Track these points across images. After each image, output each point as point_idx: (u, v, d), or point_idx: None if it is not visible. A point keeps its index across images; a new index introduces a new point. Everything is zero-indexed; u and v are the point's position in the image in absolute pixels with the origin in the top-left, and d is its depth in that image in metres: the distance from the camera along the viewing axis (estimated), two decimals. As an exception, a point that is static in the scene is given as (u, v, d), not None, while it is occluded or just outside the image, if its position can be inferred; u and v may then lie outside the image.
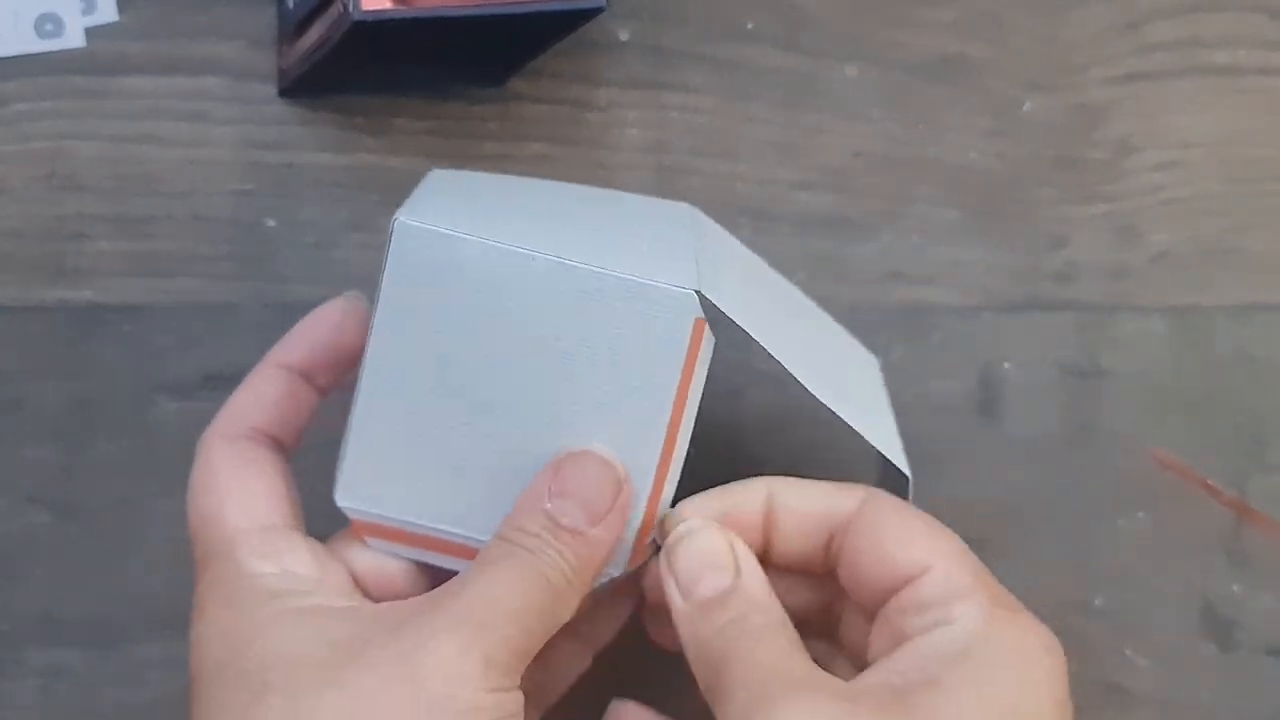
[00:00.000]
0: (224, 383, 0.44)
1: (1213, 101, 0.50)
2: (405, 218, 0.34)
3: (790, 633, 0.34)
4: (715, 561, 0.34)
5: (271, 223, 0.45)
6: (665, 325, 0.34)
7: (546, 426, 0.34)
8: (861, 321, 0.48)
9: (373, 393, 0.35)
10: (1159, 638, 0.48)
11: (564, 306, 0.34)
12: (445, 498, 0.35)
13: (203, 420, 0.44)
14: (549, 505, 0.33)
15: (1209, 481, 0.48)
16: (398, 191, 0.46)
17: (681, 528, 0.35)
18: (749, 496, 0.36)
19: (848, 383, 0.41)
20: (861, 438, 0.37)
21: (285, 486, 0.36)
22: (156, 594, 0.44)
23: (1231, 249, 0.50)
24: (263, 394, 0.37)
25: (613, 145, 0.47)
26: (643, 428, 0.34)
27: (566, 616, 0.34)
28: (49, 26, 0.45)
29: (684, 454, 0.35)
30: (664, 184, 0.47)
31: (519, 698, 0.33)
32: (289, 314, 0.45)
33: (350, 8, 0.37)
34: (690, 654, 0.34)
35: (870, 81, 0.48)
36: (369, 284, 0.45)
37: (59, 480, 0.44)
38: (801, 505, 0.37)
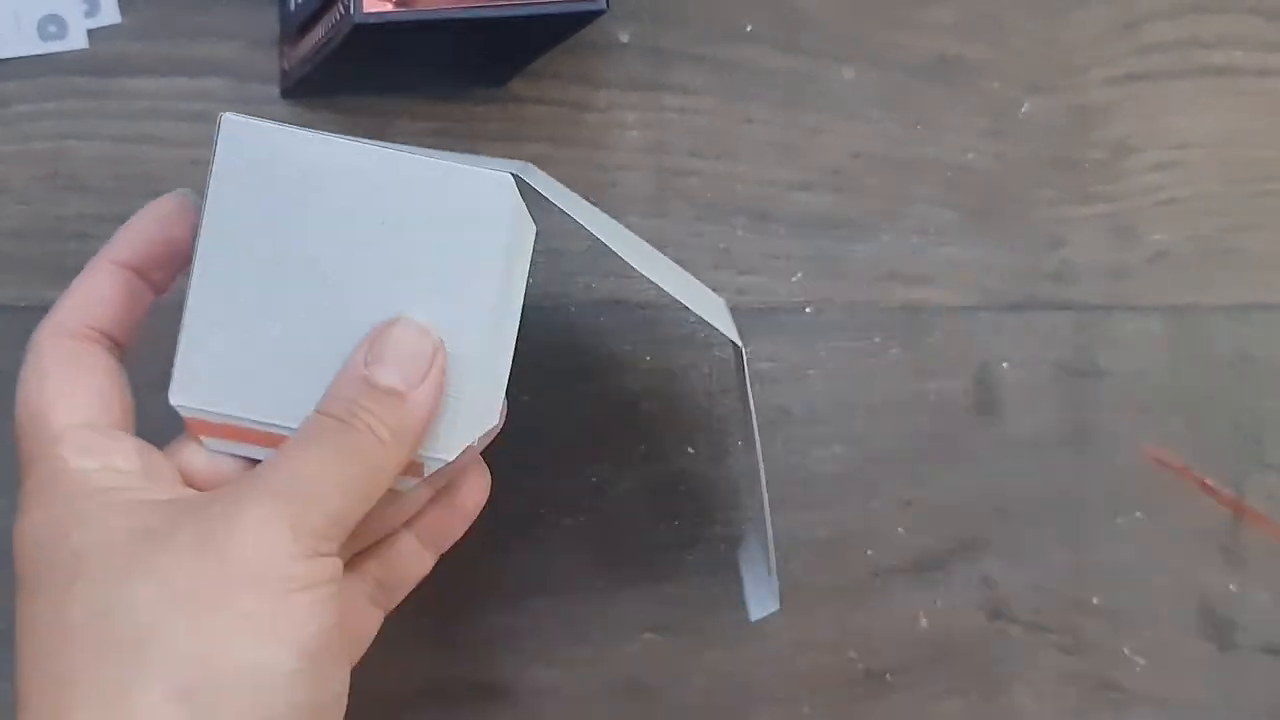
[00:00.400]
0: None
1: (1211, 102, 0.50)
2: (232, 114, 0.34)
3: None
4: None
5: (273, 223, 0.45)
6: (486, 209, 0.34)
7: (373, 314, 0.35)
8: (860, 321, 0.48)
9: (202, 289, 0.35)
10: (1157, 636, 0.48)
11: (388, 194, 0.34)
12: (277, 391, 0.35)
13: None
14: (365, 371, 0.34)
15: (1204, 479, 0.48)
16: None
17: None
18: None
19: (678, 278, 0.41)
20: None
21: (115, 386, 0.35)
22: (158, 593, 0.44)
23: (1229, 249, 0.50)
24: (96, 291, 0.36)
25: (612, 146, 0.47)
26: (469, 313, 0.35)
27: (385, 483, 0.34)
28: (52, 28, 0.45)
29: (512, 343, 0.35)
30: (663, 184, 0.47)
31: (335, 564, 0.33)
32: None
33: (352, 10, 0.38)
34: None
35: (869, 82, 0.49)
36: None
37: (61, 479, 0.44)
38: None
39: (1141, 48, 0.50)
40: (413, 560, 0.38)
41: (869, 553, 0.48)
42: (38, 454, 0.34)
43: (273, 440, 0.35)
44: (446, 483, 0.37)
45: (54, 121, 0.45)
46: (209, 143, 0.45)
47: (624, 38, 0.47)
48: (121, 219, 0.45)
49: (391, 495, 0.35)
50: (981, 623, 0.48)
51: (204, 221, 0.35)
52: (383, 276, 0.35)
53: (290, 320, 0.35)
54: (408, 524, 0.37)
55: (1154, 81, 0.50)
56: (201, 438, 0.36)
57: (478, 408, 0.35)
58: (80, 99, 0.45)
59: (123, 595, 0.31)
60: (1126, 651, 0.48)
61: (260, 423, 0.35)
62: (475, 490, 0.38)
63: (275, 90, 0.46)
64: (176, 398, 0.35)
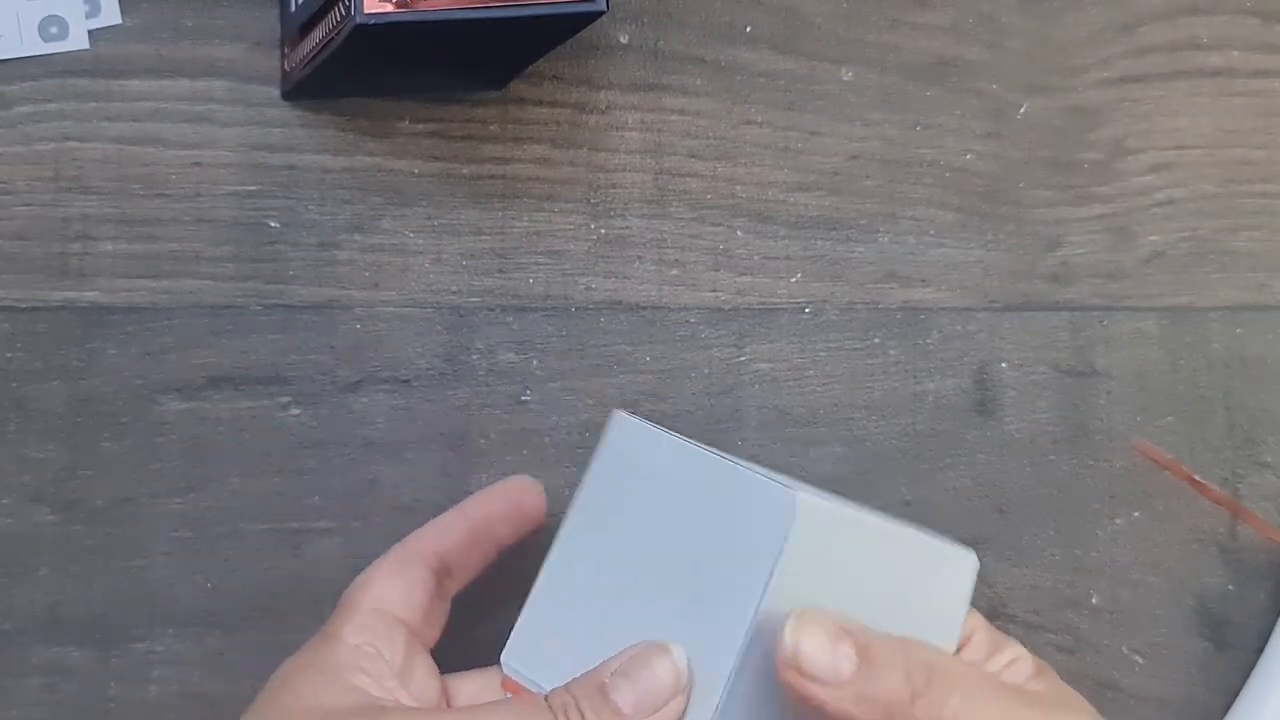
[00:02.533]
0: (227, 383, 0.45)
1: (1207, 104, 0.50)
2: (622, 412, 0.37)
3: None
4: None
5: (274, 224, 0.46)
6: (764, 519, 0.34)
7: (666, 617, 0.35)
8: (859, 322, 0.48)
9: (557, 566, 0.37)
10: (1154, 635, 0.48)
11: (700, 497, 0.35)
12: (582, 668, 0.36)
13: (206, 420, 0.45)
14: (607, 680, 0.34)
15: (1194, 475, 0.48)
16: (400, 193, 0.46)
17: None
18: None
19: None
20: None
21: (426, 599, 0.39)
22: (159, 593, 0.44)
23: (1225, 250, 0.50)
24: (448, 527, 0.41)
25: (612, 147, 0.47)
26: (722, 632, 0.34)
27: None
28: (53, 29, 0.45)
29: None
30: (663, 185, 0.47)
31: None
32: (292, 314, 0.45)
33: (353, 11, 0.38)
34: None
35: (867, 84, 0.49)
36: (369, 287, 0.46)
37: (63, 480, 0.44)
38: None
39: (1138, 49, 0.50)
40: None
41: (868, 552, 0.48)
42: (334, 619, 0.38)
43: None
44: None
45: (56, 123, 0.45)
46: (211, 144, 0.46)
47: (624, 39, 0.48)
48: (123, 219, 0.45)
49: None
50: (980, 622, 0.48)
51: (576, 503, 0.37)
52: (676, 580, 0.35)
53: (611, 609, 0.36)
54: None
55: (1151, 83, 0.50)
56: (506, 693, 0.38)
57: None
58: (82, 100, 0.45)
59: None
60: (1125, 650, 0.48)
61: None
62: None
63: (276, 92, 0.46)
64: (509, 659, 0.38)
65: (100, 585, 0.44)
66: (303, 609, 0.45)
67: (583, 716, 0.34)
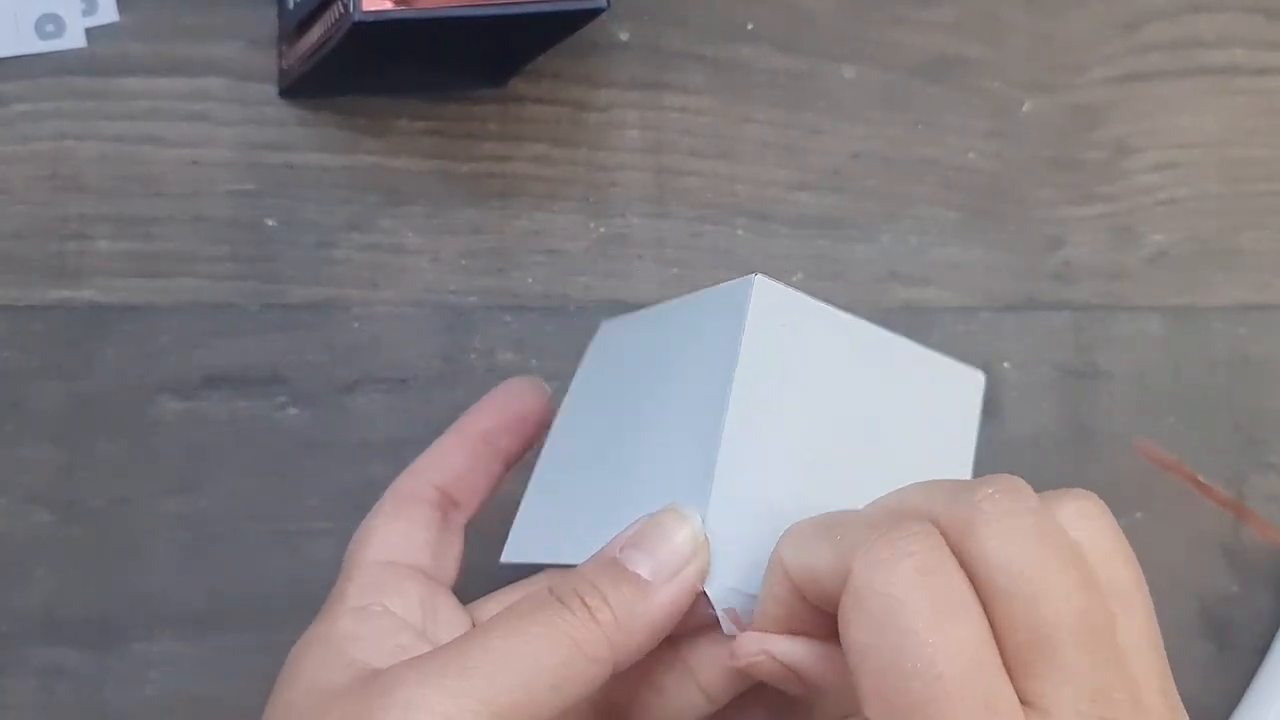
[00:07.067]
0: (224, 383, 0.45)
1: (1210, 102, 0.50)
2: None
3: None
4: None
5: (272, 223, 0.45)
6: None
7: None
8: (860, 321, 0.48)
9: (548, 456, 0.36)
10: (1157, 637, 0.48)
11: (672, 339, 0.35)
12: (589, 546, 0.33)
13: (203, 420, 0.44)
14: (619, 554, 0.32)
15: (1197, 476, 0.48)
16: (398, 192, 0.46)
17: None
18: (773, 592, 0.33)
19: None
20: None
21: (433, 537, 0.36)
22: (157, 594, 0.44)
23: (1229, 249, 0.50)
24: (444, 455, 0.38)
25: (612, 146, 0.47)
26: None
27: (589, 678, 0.31)
28: (50, 27, 0.45)
29: None
30: (664, 184, 0.47)
31: None
32: (289, 314, 0.45)
33: (350, 8, 0.38)
34: None
35: (869, 82, 0.49)
36: (367, 286, 0.46)
37: (60, 480, 0.44)
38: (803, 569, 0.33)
39: (1141, 47, 0.50)
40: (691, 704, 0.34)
41: (869, 553, 0.48)
42: (339, 582, 0.36)
43: None
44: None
45: (53, 121, 0.45)
46: (208, 143, 0.45)
47: (624, 37, 0.47)
48: (120, 218, 0.45)
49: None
50: (982, 623, 0.48)
51: (563, 403, 0.36)
52: (662, 417, 0.34)
53: (603, 478, 0.34)
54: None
55: (1154, 81, 0.50)
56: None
57: None
58: (79, 99, 0.45)
59: None
60: (1127, 652, 0.48)
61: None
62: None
63: (274, 90, 0.46)
64: (510, 558, 0.36)
65: (97, 586, 0.44)
66: (300, 609, 0.44)
67: (599, 594, 0.31)
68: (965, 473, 0.35)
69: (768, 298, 0.33)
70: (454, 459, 0.38)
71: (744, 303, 0.33)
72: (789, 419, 0.33)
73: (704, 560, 0.32)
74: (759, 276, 0.33)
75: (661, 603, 0.31)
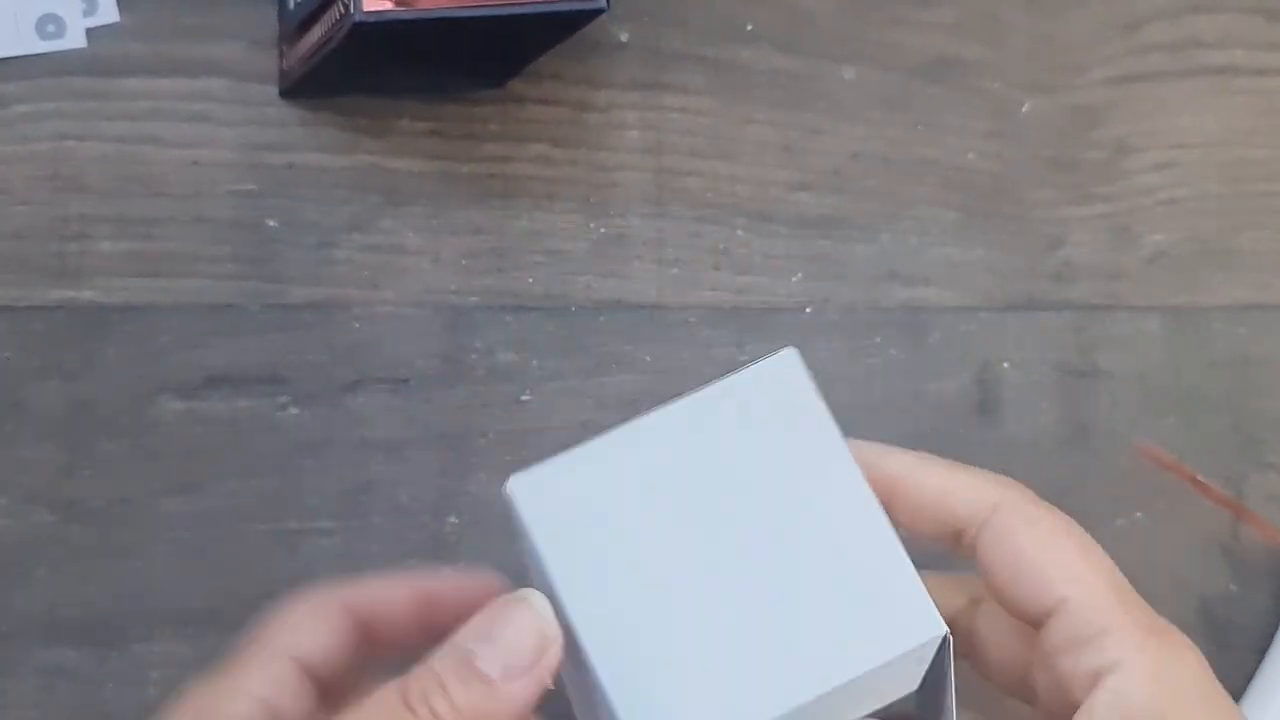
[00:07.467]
0: (225, 383, 0.45)
1: (1210, 102, 0.50)
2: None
3: None
4: None
5: (273, 223, 0.45)
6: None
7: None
8: (860, 322, 0.48)
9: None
10: (1156, 637, 0.48)
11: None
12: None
13: (204, 420, 0.44)
14: (471, 645, 0.31)
15: (1197, 476, 0.48)
16: (398, 192, 0.46)
17: None
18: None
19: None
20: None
21: (340, 649, 0.36)
22: (157, 594, 0.44)
23: (1228, 249, 0.50)
24: (387, 583, 0.37)
25: (612, 146, 0.47)
26: None
27: None
28: (50, 27, 0.45)
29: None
30: (663, 184, 0.47)
31: None
32: (290, 314, 0.45)
33: (351, 9, 0.38)
34: None
35: (869, 83, 0.49)
36: (368, 286, 0.46)
37: (60, 480, 0.44)
38: (919, 498, 0.36)
39: (1141, 48, 0.50)
40: None
41: (869, 553, 0.48)
42: (242, 655, 0.35)
43: None
44: None
45: (53, 122, 0.45)
46: (209, 143, 0.45)
47: (624, 37, 0.47)
48: (121, 219, 0.45)
49: None
50: (981, 623, 0.48)
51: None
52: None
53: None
54: None
55: (1153, 81, 0.50)
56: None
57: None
58: (80, 99, 0.45)
59: None
60: (1126, 652, 0.48)
61: None
62: None
63: (274, 90, 0.46)
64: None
65: (98, 586, 0.44)
66: (301, 610, 0.44)
67: (448, 698, 0.30)
68: (849, 464, 0.34)
69: (539, 505, 0.33)
70: (396, 592, 0.37)
71: (521, 525, 0.33)
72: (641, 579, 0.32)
73: (555, 653, 0.31)
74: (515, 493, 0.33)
75: (513, 699, 0.31)
